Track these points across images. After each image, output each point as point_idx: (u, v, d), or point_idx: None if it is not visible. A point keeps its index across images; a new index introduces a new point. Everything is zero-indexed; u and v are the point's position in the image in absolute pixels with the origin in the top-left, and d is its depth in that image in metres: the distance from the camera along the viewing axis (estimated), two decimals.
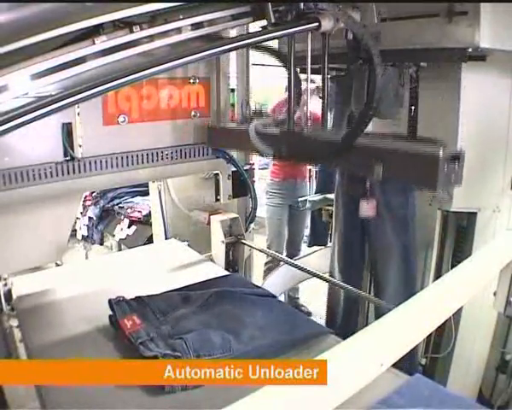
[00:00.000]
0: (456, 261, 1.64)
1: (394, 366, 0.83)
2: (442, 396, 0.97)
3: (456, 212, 1.63)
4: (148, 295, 1.36)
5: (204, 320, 1.25)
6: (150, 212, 2.56)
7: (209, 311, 1.30)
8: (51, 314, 1.40)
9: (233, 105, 1.94)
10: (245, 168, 1.88)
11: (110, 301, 1.29)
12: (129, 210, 3.97)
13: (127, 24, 1.08)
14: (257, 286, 1.59)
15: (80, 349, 1.21)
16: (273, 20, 1.11)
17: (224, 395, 0.99)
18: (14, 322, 1.28)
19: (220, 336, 1.16)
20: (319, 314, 2.74)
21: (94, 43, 1.05)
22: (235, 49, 1.20)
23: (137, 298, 1.33)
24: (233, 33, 1.46)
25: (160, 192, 2.16)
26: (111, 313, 1.29)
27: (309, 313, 3.20)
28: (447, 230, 1.69)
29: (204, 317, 1.27)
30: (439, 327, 1.21)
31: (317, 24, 1.08)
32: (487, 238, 1.57)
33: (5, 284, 1.40)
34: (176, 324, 1.23)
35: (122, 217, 3.95)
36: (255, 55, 1.90)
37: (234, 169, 1.84)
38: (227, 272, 1.72)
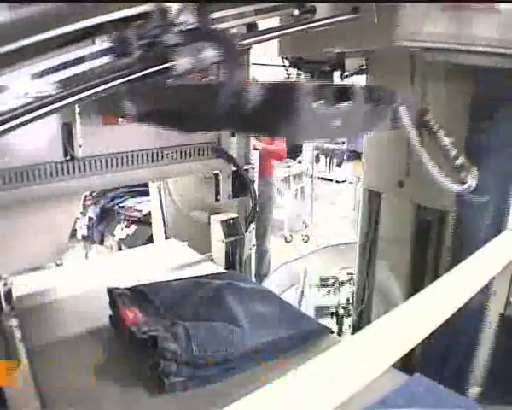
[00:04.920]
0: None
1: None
2: (441, 396, 0.97)
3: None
4: (149, 286, 1.35)
5: (207, 314, 1.23)
6: (150, 212, 2.57)
7: (212, 305, 1.29)
8: (51, 314, 1.40)
9: None
10: (245, 168, 1.88)
11: (109, 290, 1.29)
12: (129, 210, 3.97)
13: (127, 24, 1.08)
14: (255, 283, 1.58)
15: (80, 349, 1.21)
16: (136, 57, 0.95)
17: (225, 395, 1.00)
18: (14, 322, 1.28)
19: (225, 331, 1.15)
20: None
21: (94, 44, 1.05)
22: None
23: (139, 291, 1.32)
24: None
25: (159, 192, 2.16)
26: (111, 313, 1.29)
27: None
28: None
29: (208, 311, 1.26)
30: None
31: (171, 64, 0.90)
32: None
33: (5, 284, 1.40)
34: (178, 318, 1.21)
35: (122, 217, 3.95)
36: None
37: (234, 169, 1.84)
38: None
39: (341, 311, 2.48)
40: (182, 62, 0.91)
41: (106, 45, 1.04)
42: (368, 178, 2.00)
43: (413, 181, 1.73)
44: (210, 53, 0.96)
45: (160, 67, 0.91)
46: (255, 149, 3.83)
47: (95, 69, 1.04)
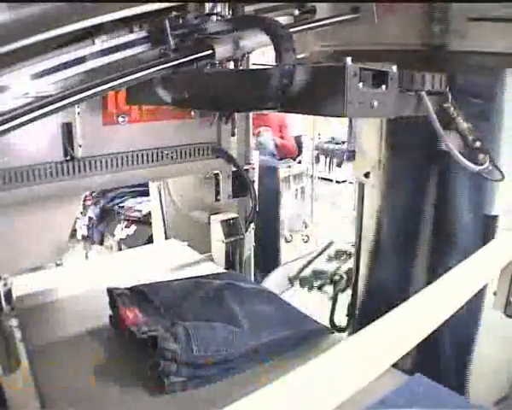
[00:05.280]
0: None
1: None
2: (442, 396, 0.97)
3: None
4: (149, 286, 1.35)
5: (208, 315, 1.23)
6: (150, 212, 2.57)
7: (212, 305, 1.28)
8: (51, 314, 1.40)
9: None
10: (245, 168, 1.88)
11: (109, 290, 1.29)
12: (129, 210, 3.97)
13: (128, 23, 1.08)
14: (255, 283, 1.58)
15: (80, 349, 1.21)
16: (173, 47, 1.05)
17: (225, 395, 1.00)
18: (14, 322, 1.28)
19: (225, 331, 1.14)
20: None
21: (94, 44, 1.05)
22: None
23: (139, 291, 1.32)
24: None
25: (160, 192, 2.16)
26: (111, 313, 1.28)
27: None
28: None
29: (208, 311, 1.25)
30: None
31: (211, 51, 1.00)
32: None
33: (5, 284, 1.40)
34: (178, 318, 1.21)
35: (122, 217, 3.95)
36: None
37: (234, 169, 1.84)
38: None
39: (337, 277, 2.57)
40: (221, 50, 0.99)
41: (143, 34, 1.06)
42: (355, 171, 2.02)
43: (380, 173, 1.75)
44: (256, 39, 1.03)
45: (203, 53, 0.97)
46: (276, 144, 3.94)
47: (128, 58, 1.05)
